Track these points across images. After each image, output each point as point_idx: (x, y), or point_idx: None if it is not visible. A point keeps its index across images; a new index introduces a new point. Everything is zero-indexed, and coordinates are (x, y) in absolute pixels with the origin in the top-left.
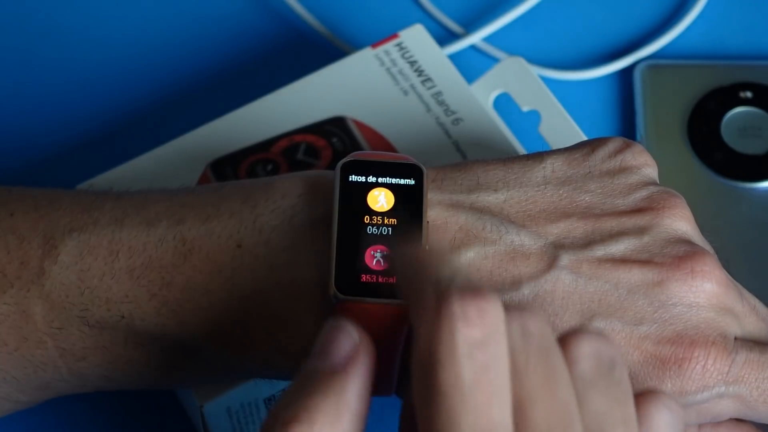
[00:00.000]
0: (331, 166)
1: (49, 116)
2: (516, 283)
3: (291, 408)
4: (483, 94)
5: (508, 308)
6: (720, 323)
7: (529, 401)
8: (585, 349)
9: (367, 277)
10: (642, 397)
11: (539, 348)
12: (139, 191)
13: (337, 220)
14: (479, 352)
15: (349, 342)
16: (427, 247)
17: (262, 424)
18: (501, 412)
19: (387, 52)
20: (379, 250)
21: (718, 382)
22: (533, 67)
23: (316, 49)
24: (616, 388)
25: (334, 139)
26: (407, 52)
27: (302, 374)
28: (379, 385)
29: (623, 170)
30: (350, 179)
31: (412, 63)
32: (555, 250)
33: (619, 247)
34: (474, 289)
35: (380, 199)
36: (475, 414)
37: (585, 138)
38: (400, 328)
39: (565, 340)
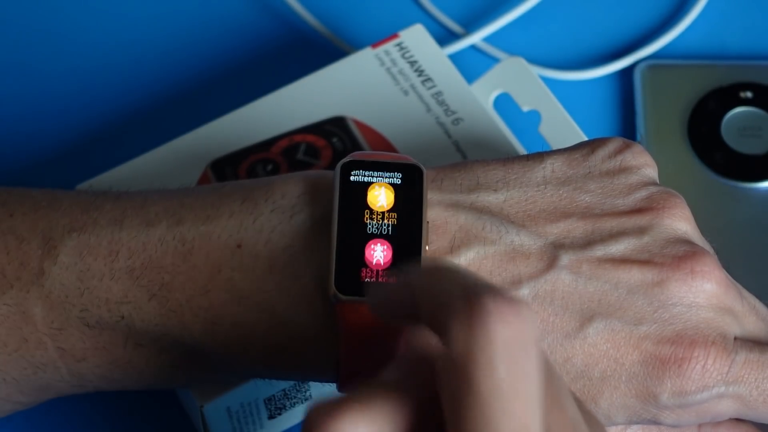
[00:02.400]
0: (331, 166)
1: (49, 117)
2: (516, 283)
3: (350, 396)
4: (483, 94)
5: None
6: (720, 323)
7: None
8: None
9: (368, 277)
10: None
11: (549, 372)
12: (138, 191)
13: (337, 220)
14: (515, 353)
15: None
16: (427, 248)
17: (312, 404)
18: (535, 417)
19: (387, 52)
20: (378, 244)
21: (718, 382)
22: (533, 67)
23: (316, 49)
24: (593, 420)
25: (334, 139)
26: (407, 52)
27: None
28: None
29: (623, 170)
30: (350, 179)
31: (413, 63)
32: (555, 250)
33: (619, 247)
34: (503, 292)
35: (380, 200)
36: (513, 417)
37: (585, 138)
38: (400, 328)
39: None
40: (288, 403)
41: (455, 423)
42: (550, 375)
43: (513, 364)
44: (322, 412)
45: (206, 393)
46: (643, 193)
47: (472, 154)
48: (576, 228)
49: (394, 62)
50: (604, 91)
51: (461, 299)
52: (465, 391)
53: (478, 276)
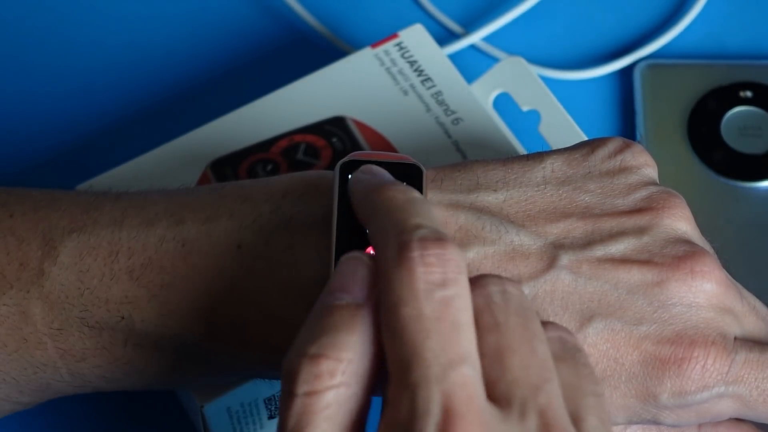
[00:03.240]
0: (331, 166)
1: (49, 117)
2: None
3: (317, 343)
4: (483, 93)
5: (490, 275)
6: (720, 323)
7: (509, 350)
8: (551, 333)
9: None
10: None
11: (518, 307)
12: (138, 191)
13: (337, 220)
14: (439, 291)
15: (367, 271)
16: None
17: (285, 360)
18: (466, 344)
19: (387, 52)
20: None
21: (718, 382)
22: (533, 67)
23: (316, 49)
24: (583, 368)
25: (334, 139)
26: (407, 51)
27: (323, 308)
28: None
29: (623, 170)
30: (350, 179)
31: (412, 63)
32: (554, 250)
33: (618, 247)
34: (434, 238)
35: None
36: (438, 343)
37: (585, 138)
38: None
39: None
40: None
41: (390, 357)
42: (519, 314)
43: (437, 300)
44: (297, 372)
45: (206, 393)
46: (643, 193)
47: (471, 153)
48: (576, 228)
49: (393, 62)
50: (603, 91)
51: (396, 239)
52: (394, 326)
53: (424, 212)
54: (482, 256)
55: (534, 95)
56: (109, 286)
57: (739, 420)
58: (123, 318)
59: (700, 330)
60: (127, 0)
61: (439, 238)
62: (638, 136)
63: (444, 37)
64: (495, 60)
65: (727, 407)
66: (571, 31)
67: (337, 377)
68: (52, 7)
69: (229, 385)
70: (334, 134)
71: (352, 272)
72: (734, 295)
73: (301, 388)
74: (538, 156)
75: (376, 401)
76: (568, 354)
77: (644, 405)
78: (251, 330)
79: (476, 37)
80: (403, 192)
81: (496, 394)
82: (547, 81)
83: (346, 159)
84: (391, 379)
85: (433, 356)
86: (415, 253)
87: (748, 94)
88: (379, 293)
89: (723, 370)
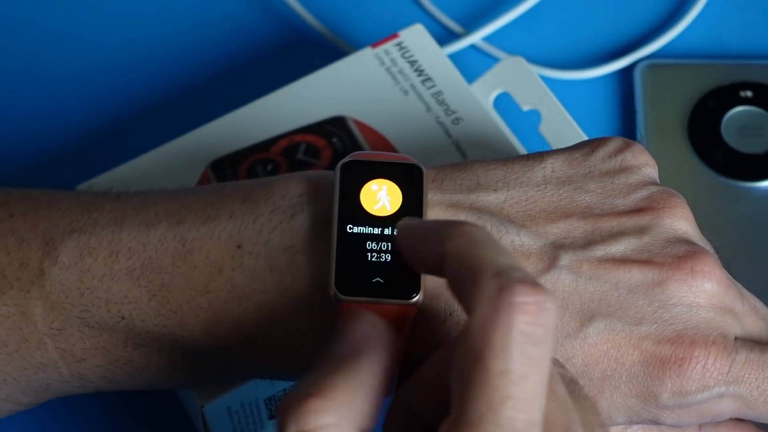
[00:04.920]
0: (331, 166)
1: (49, 117)
2: None
3: (311, 384)
4: (483, 93)
5: None
6: (720, 323)
7: None
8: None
9: (368, 277)
10: None
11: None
12: (138, 192)
13: (337, 220)
14: (531, 347)
15: (366, 326)
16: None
17: (281, 399)
18: (539, 410)
19: (387, 52)
20: (383, 242)
21: (719, 382)
22: (533, 67)
23: (316, 49)
24: (585, 400)
25: (334, 139)
26: (407, 51)
27: (323, 357)
28: None
29: (623, 170)
30: (350, 180)
31: (412, 63)
32: (555, 250)
33: (619, 247)
34: (534, 283)
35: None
36: (518, 407)
37: (585, 137)
38: (401, 328)
39: None
40: None
41: (461, 403)
42: (539, 362)
43: (526, 358)
44: (288, 411)
45: (207, 393)
46: (643, 193)
47: (472, 153)
48: (576, 228)
49: (393, 62)
50: (604, 91)
51: (493, 279)
52: (476, 374)
53: (509, 253)
54: None
55: (534, 95)
56: (110, 286)
57: (739, 420)
58: (123, 318)
59: (700, 330)
60: (126, 0)
61: (536, 284)
62: (638, 136)
63: (444, 37)
64: (495, 60)
65: (727, 407)
66: (571, 31)
67: (325, 417)
68: (51, 7)
69: (229, 385)
70: (334, 134)
71: (349, 325)
72: (735, 294)
73: (291, 427)
74: (539, 156)
75: None
76: (569, 388)
77: (645, 405)
78: (250, 329)
79: (476, 37)
80: (479, 228)
81: None
82: (547, 81)
83: (346, 159)
84: (455, 420)
85: (508, 419)
86: (517, 299)
87: (749, 93)
88: (465, 331)
89: (723, 370)
